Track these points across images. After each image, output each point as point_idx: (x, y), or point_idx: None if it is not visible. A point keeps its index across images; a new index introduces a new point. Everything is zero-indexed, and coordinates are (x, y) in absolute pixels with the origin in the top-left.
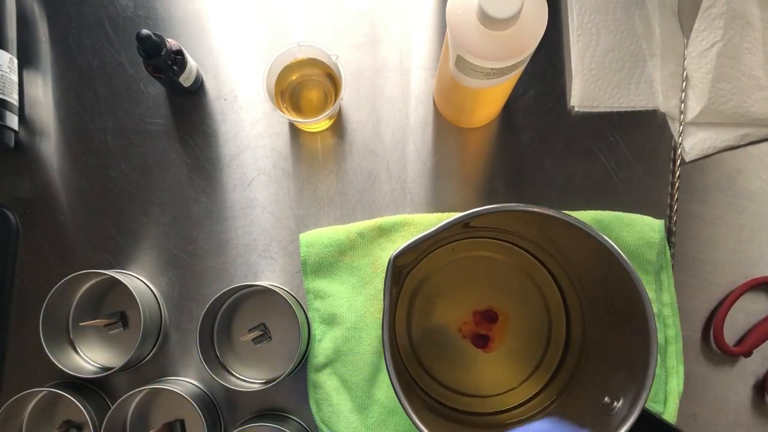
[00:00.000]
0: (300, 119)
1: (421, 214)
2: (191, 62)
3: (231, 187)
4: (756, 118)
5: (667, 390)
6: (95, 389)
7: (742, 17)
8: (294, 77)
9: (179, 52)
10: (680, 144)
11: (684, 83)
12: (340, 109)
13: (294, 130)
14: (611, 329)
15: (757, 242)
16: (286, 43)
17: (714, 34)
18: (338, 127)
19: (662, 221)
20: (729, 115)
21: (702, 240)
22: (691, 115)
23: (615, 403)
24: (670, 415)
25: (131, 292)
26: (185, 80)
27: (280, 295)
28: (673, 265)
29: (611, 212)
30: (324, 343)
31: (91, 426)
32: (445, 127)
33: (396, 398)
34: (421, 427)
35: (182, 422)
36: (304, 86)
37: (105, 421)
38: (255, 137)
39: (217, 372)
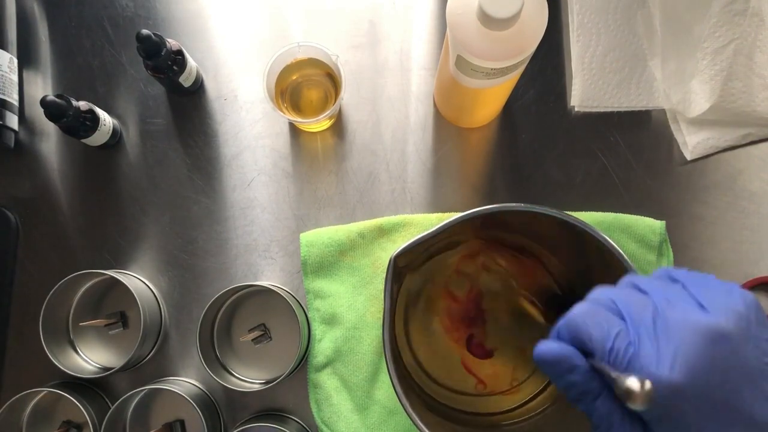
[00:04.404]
0: (300, 119)
1: (422, 214)
2: (191, 62)
3: (231, 187)
4: (760, 118)
5: None
6: (95, 389)
7: (758, 14)
8: (294, 77)
9: (179, 52)
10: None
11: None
12: (340, 109)
13: (294, 130)
14: None
15: (757, 242)
16: (286, 43)
17: (733, 31)
18: (338, 127)
19: (663, 222)
20: (735, 114)
21: (702, 240)
22: (697, 111)
23: None
24: None
25: (131, 292)
26: (185, 80)
27: (280, 295)
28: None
29: (612, 213)
30: (324, 343)
31: (91, 426)
32: (445, 127)
33: (396, 398)
34: (422, 427)
35: (182, 422)
36: (304, 86)
37: (105, 421)
38: (255, 137)
39: (217, 372)
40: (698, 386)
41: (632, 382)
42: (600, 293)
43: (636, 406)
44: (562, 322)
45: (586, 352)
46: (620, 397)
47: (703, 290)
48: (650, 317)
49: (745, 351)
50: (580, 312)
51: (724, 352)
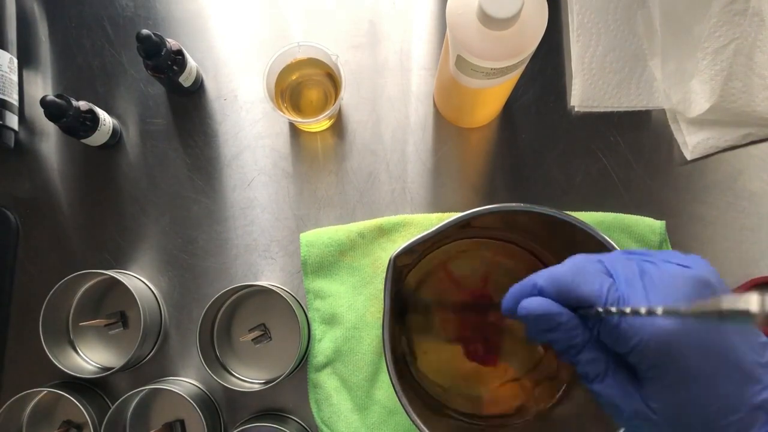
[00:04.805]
0: (300, 119)
1: (422, 214)
2: (191, 62)
3: (231, 187)
4: (760, 118)
5: None
6: (95, 389)
7: (758, 14)
8: (294, 77)
9: (179, 52)
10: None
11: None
12: (340, 109)
13: (294, 130)
14: None
15: (757, 242)
16: (286, 43)
17: (733, 31)
18: (338, 127)
19: (663, 222)
20: (735, 114)
21: (702, 240)
22: (697, 111)
23: None
24: None
25: (131, 292)
26: (185, 80)
27: (280, 295)
28: None
29: (612, 213)
30: (324, 343)
31: (91, 426)
32: (445, 127)
33: (396, 398)
34: (422, 426)
35: (182, 422)
36: (304, 86)
37: (105, 421)
38: (255, 137)
39: (217, 372)
40: (690, 331)
41: (751, 302)
42: (579, 256)
43: (757, 322)
44: (545, 279)
45: (572, 307)
46: (727, 315)
47: (675, 257)
48: (637, 273)
49: None
50: (567, 270)
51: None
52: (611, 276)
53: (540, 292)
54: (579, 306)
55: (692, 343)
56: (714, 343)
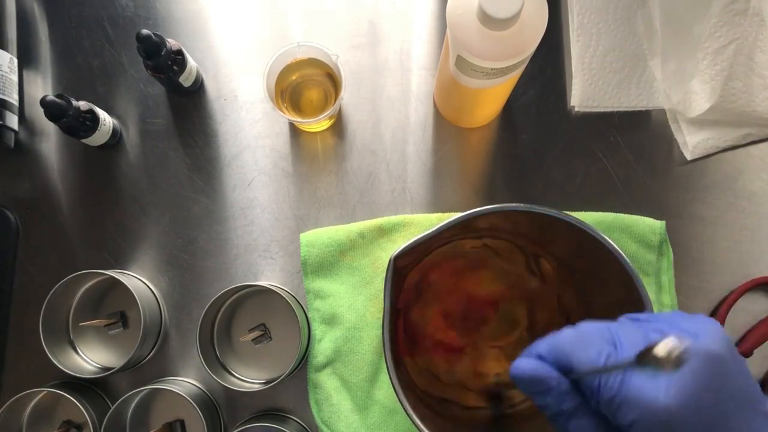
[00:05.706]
0: (300, 119)
1: (422, 214)
2: (191, 62)
3: (231, 187)
4: (760, 118)
5: None
6: (95, 389)
7: (758, 14)
8: (294, 77)
9: (179, 52)
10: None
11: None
12: (340, 109)
13: (294, 130)
14: None
15: (757, 242)
16: (286, 43)
17: (734, 31)
18: (338, 127)
19: (663, 222)
20: (735, 114)
21: (702, 240)
22: (697, 111)
23: None
24: None
25: (131, 292)
26: (185, 80)
27: (280, 295)
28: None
29: (612, 213)
30: (324, 343)
31: (91, 426)
32: (445, 127)
33: (396, 398)
34: (422, 427)
35: (182, 422)
36: (304, 86)
37: (105, 421)
38: (255, 137)
39: (217, 372)
40: (690, 411)
41: (670, 343)
42: (590, 323)
43: (668, 369)
44: (545, 345)
45: (567, 372)
46: (646, 362)
47: (684, 322)
48: (642, 343)
49: (734, 377)
50: (568, 336)
51: (717, 378)
52: (615, 345)
53: (538, 356)
54: (575, 373)
55: (692, 420)
56: (711, 422)
